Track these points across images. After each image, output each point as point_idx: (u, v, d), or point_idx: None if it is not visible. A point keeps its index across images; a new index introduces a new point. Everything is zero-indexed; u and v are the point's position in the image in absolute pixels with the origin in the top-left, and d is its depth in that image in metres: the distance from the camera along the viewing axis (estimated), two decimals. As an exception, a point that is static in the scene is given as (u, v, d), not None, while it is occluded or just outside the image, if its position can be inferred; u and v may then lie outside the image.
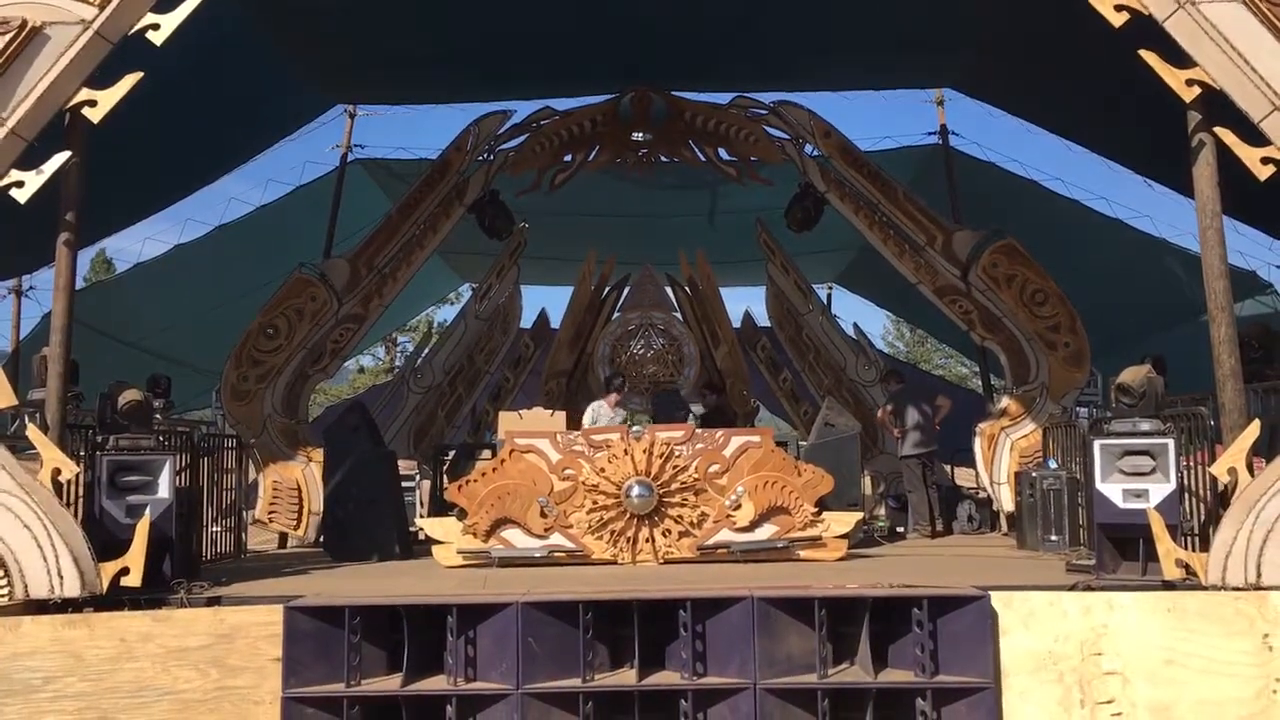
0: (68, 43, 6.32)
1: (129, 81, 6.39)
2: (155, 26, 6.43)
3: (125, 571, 6.15)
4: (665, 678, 5.67)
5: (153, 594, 6.25)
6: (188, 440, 8.48)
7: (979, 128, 15.57)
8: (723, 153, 12.30)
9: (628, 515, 7.99)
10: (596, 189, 13.17)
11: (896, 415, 11.13)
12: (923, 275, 11.38)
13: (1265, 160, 6.20)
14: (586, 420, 10.55)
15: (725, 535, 8.02)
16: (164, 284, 13.55)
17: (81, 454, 6.74)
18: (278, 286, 11.11)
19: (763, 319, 14.57)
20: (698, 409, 12.14)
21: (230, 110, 10.96)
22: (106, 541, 6.34)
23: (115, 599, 6.07)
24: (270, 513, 10.55)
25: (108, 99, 6.39)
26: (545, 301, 26.04)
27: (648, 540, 8.02)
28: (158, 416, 8.86)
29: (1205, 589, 5.87)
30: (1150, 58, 6.41)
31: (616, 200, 13.90)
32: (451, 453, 12.16)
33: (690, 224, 14.89)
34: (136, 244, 13.38)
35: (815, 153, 12.00)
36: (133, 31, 6.44)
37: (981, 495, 11.34)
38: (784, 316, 13.74)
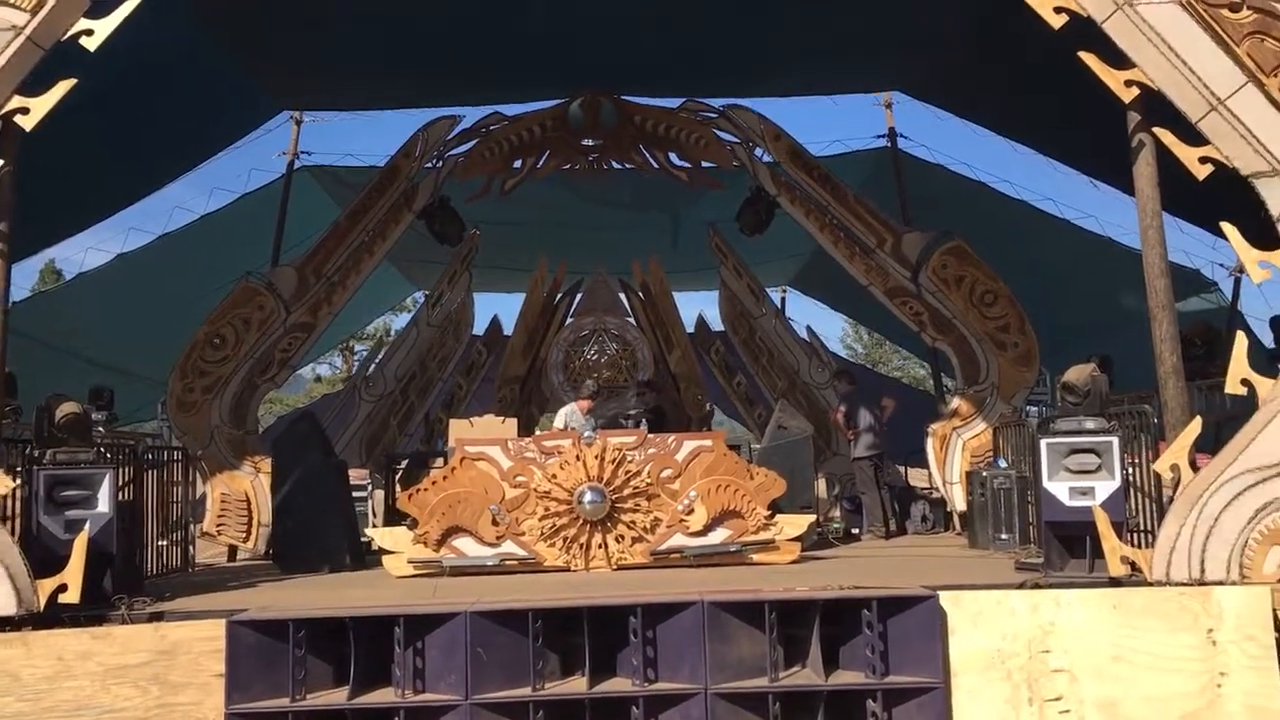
0: (-2, 49, 6.18)
1: (62, 88, 6.26)
2: (89, 32, 6.31)
3: (63, 588, 6.02)
4: (616, 685, 5.63)
5: (92, 611, 6.12)
6: (131, 453, 8.32)
7: (927, 131, 15.67)
8: (673, 157, 12.29)
9: (580, 521, 7.95)
10: (553, 201, 13.14)
11: (849, 417, 11.18)
12: (874, 277, 11.44)
13: (1204, 160, 6.28)
14: (558, 424, 10.52)
15: (678, 540, 7.99)
16: (108, 294, 13.31)
17: (18, 469, 6.58)
18: (224, 295, 10.95)
19: (716, 323, 14.61)
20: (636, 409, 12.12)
21: (175, 117, 10.78)
22: (44, 558, 6.19)
23: (53, 616, 5.94)
24: (219, 525, 10.39)
25: (41, 106, 6.26)
26: (498, 308, 25.99)
27: (600, 546, 7.98)
28: (99, 429, 8.69)
29: (1150, 585, 5.93)
30: (1090, 59, 6.48)
31: (570, 212, 13.87)
32: (404, 461, 12.05)
33: (647, 237, 14.83)
34: (80, 253, 13.15)
35: (766, 157, 12.03)
36: (66, 37, 6.32)
37: (935, 495, 11.42)
38: (737, 320, 13.77)
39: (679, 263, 14.50)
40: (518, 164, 12.26)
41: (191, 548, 9.55)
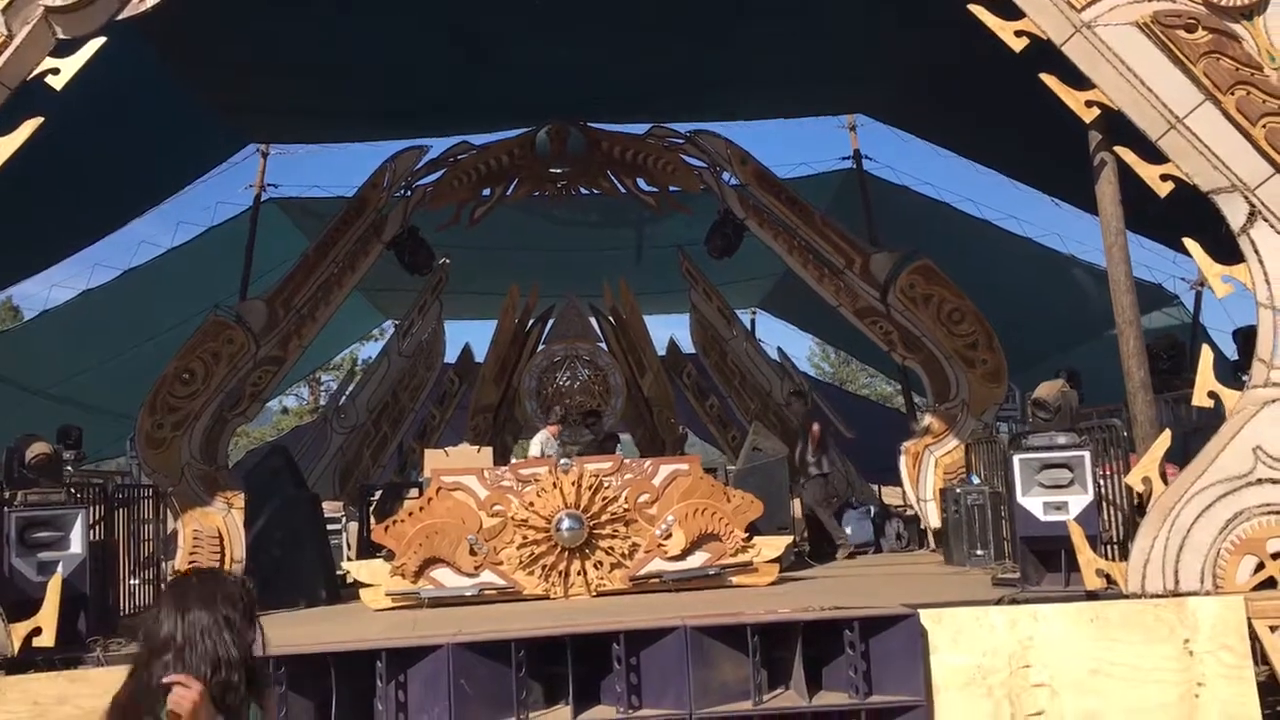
0: (-37, 88, 6.14)
1: (28, 128, 6.21)
2: (55, 71, 6.27)
3: (38, 631, 5.94)
4: (601, 713, 5.62)
5: (67, 653, 6.04)
6: (101, 492, 8.23)
7: (891, 152, 15.88)
8: (641, 183, 12.36)
9: (558, 549, 7.93)
10: (519, 225, 13.17)
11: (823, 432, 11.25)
12: (843, 298, 11.53)
13: (1164, 177, 6.38)
14: (534, 450, 10.49)
15: (657, 565, 7.99)
16: (73, 330, 13.18)
17: (-12, 510, 6.50)
18: (193, 330, 10.86)
19: (688, 346, 14.67)
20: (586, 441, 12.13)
21: (140, 151, 10.72)
22: (17, 601, 6.11)
23: (28, 661, 5.86)
24: (191, 562, 10.23)
25: (6, 146, 6.21)
26: (469, 336, 25.91)
27: (579, 573, 7.96)
28: (69, 469, 8.59)
29: (1126, 597, 6.00)
30: (1050, 80, 6.58)
31: (539, 235, 13.92)
32: (378, 493, 11.97)
33: (615, 257, 14.94)
34: (44, 289, 13.01)
35: (733, 180, 12.12)
36: (31, 76, 6.28)
37: (909, 513, 11.48)
38: (709, 343, 13.84)
39: (646, 283, 14.52)
40: (486, 192, 12.28)
41: (164, 586, 9.44)
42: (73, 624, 6.38)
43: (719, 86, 11.54)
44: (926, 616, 5.69)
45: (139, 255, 13.04)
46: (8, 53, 6.19)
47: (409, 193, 12.04)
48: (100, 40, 6.35)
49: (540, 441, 10.66)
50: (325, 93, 11.00)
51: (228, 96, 10.84)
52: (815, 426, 11.18)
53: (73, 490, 7.36)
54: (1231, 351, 10.29)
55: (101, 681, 5.57)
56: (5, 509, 6.48)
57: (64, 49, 6.34)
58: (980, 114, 11.09)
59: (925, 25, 9.28)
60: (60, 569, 6.29)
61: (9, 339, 14.81)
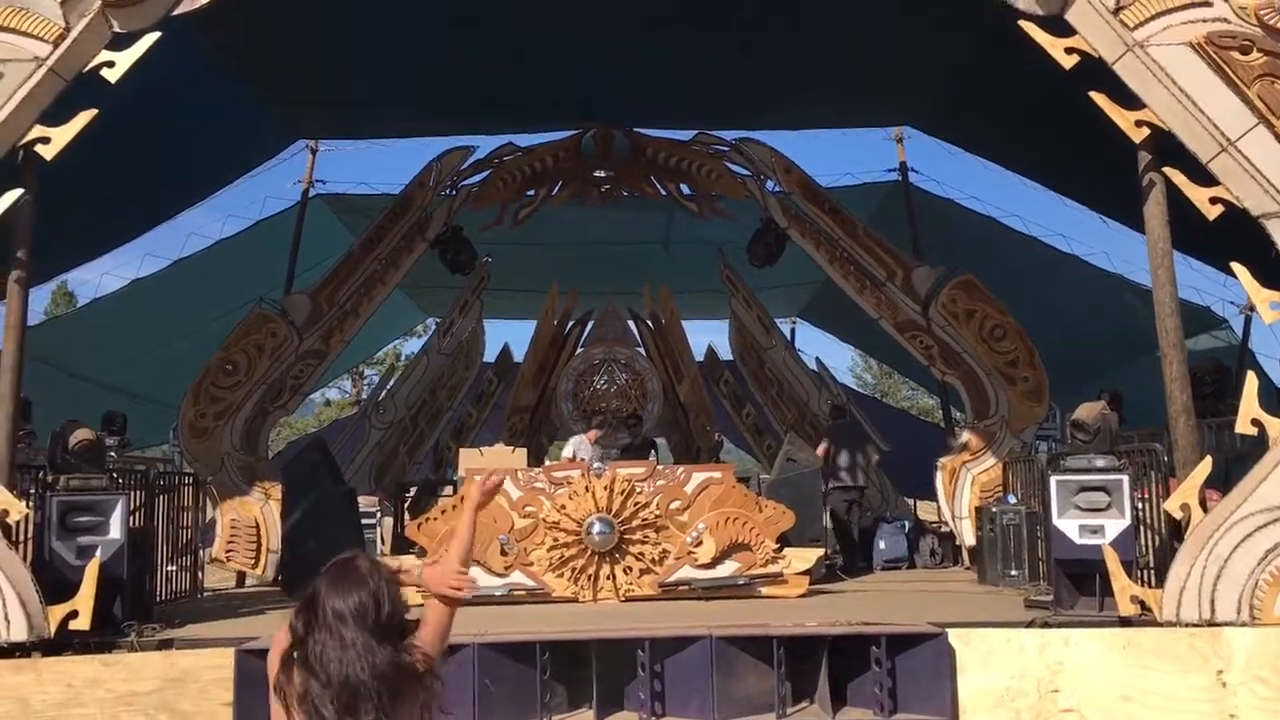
0: (21, 80, 6.28)
1: (83, 119, 6.35)
2: (110, 64, 6.40)
3: (74, 614, 6.04)
4: (624, 718, 5.64)
5: (102, 637, 6.14)
6: (143, 478, 8.36)
7: (938, 165, 15.88)
8: (684, 188, 12.35)
9: (589, 553, 7.95)
10: (555, 217, 13.16)
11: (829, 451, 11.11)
12: (884, 310, 11.46)
13: (1214, 200, 6.31)
14: (566, 453, 10.51)
15: (686, 572, 7.99)
16: (122, 319, 13.40)
17: (31, 494, 6.63)
18: (237, 322, 11.02)
19: (726, 353, 14.63)
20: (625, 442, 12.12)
21: (191, 145, 10.89)
22: (56, 583, 6.22)
23: (64, 642, 5.96)
24: (228, 551, 10.40)
25: (61, 136, 6.35)
26: (508, 336, 26.03)
27: (609, 578, 7.98)
28: (112, 454, 8.72)
29: (1160, 625, 5.91)
30: (1100, 99, 6.52)
31: (575, 228, 13.89)
32: (413, 489, 12.06)
33: (649, 251, 14.91)
34: (95, 277, 13.27)
35: (776, 189, 12.09)
36: (87, 69, 6.41)
37: (944, 529, 11.38)
38: (747, 350, 13.80)
39: (683, 283, 14.45)
40: (530, 193, 12.34)
41: (201, 573, 9.57)
42: (109, 608, 6.48)
43: (765, 95, 11.52)
44: (955, 636, 5.65)
45: (188, 246, 13.23)
46: (65, 45, 6.33)
47: (454, 192, 12.13)
48: (155, 35, 6.48)
49: (574, 445, 10.69)
50: (373, 90, 11.10)
51: (279, 91, 10.98)
52: (821, 446, 11.04)
53: (114, 476, 7.48)
54: (1279, 378, 10.12)
55: (135, 665, 5.67)
56: (47, 493, 6.60)
57: (120, 43, 6.46)
58: (1028, 129, 10.98)
59: (974, 38, 9.22)
60: (99, 554, 6.38)
61: (61, 325, 15.04)
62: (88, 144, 6.49)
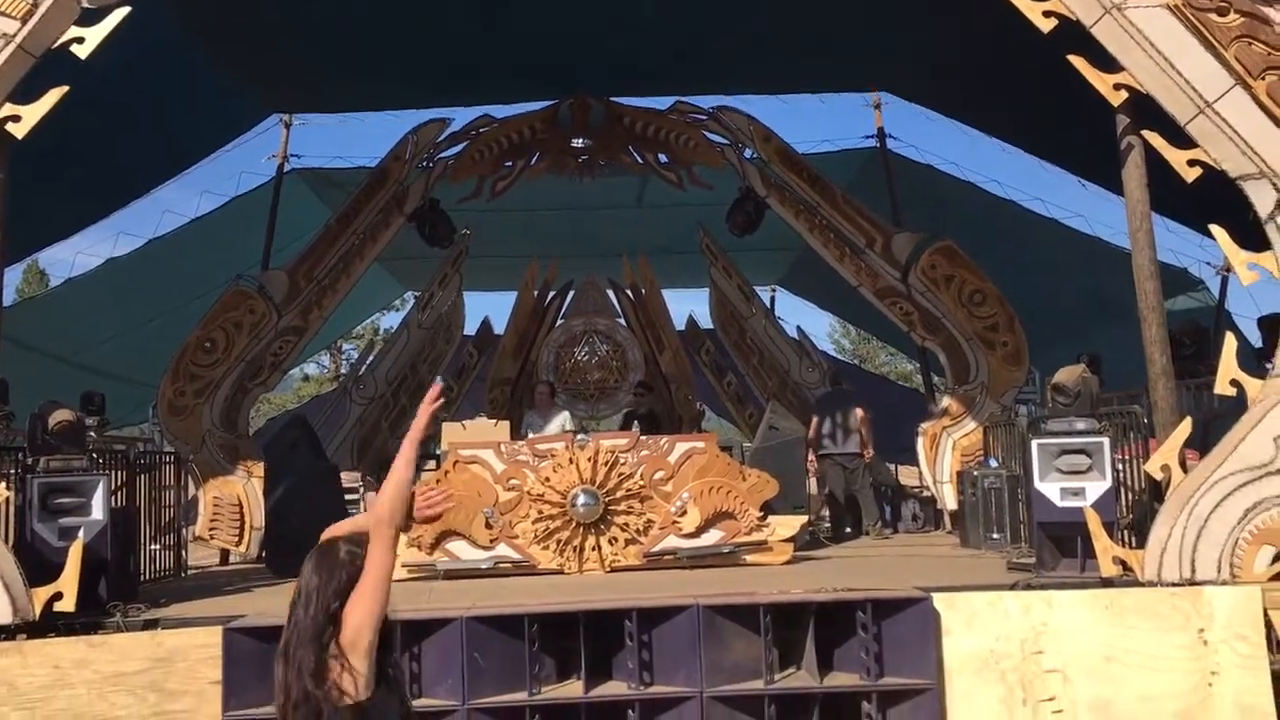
0: (-11, 57, 6.17)
1: (53, 96, 6.25)
2: (80, 40, 6.30)
3: (59, 596, 6.01)
4: (612, 688, 5.66)
5: (88, 618, 6.12)
6: (123, 458, 8.31)
7: (916, 130, 15.79)
8: (662, 157, 12.30)
9: (574, 524, 7.96)
10: (531, 183, 13.04)
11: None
12: (863, 277, 11.49)
13: (1192, 162, 6.32)
14: (552, 429, 10.47)
15: (671, 542, 8.01)
16: (98, 298, 13.27)
17: (12, 476, 6.58)
18: (215, 299, 10.94)
19: (706, 322, 14.63)
20: (629, 407, 12.11)
21: (163, 121, 10.77)
22: (39, 565, 6.18)
23: (49, 625, 5.94)
24: (211, 529, 10.37)
25: (32, 114, 6.25)
26: (488, 308, 26.00)
27: (594, 549, 7.99)
28: (92, 435, 8.67)
29: (1142, 585, 5.98)
30: (1079, 62, 6.52)
31: (552, 193, 13.78)
32: (396, 464, 12.02)
33: (627, 215, 14.82)
34: (70, 255, 13.11)
35: (755, 157, 12.06)
36: (57, 45, 6.31)
37: (925, 494, 11.47)
38: (728, 320, 13.81)
39: (661, 247, 14.38)
40: (508, 165, 12.26)
41: (184, 552, 9.54)
42: (93, 589, 6.45)
43: (742, 59, 11.46)
44: (940, 600, 5.70)
45: (163, 224, 13.12)
46: (33, 21, 6.22)
47: (431, 165, 12.05)
48: (125, 9, 6.38)
49: (529, 423, 10.57)
50: (347, 59, 10.97)
51: (251, 64, 10.84)
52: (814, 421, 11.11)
53: (95, 456, 7.43)
54: (1256, 338, 10.20)
55: (121, 646, 5.66)
56: (28, 475, 6.56)
57: (89, 18, 6.36)
58: (1007, 93, 10.98)
59: (952, 2, 9.18)
60: (82, 534, 6.35)
61: (35, 305, 14.90)
62: (59, 121, 6.40)
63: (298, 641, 2.82)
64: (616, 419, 13.17)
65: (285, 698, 2.80)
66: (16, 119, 6.24)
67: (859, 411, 10.76)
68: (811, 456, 10.54)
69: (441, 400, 3.26)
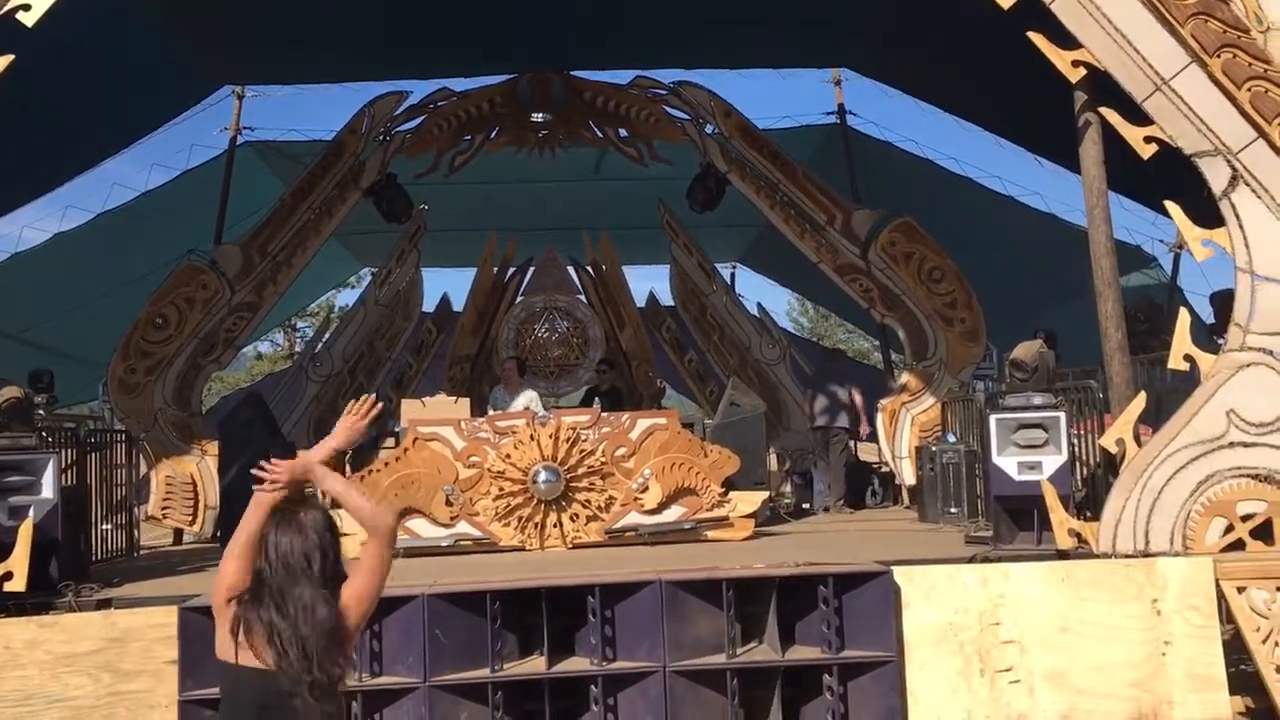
0: (-70, 23, 5.99)
1: (-1, 64, 6.09)
2: (26, 7, 6.13)
3: (8, 576, 5.92)
4: (575, 664, 5.66)
5: (39, 598, 6.02)
6: (73, 436, 8.16)
7: (875, 108, 15.81)
8: (623, 132, 12.23)
9: (535, 501, 7.93)
10: (490, 155, 12.93)
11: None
12: (823, 254, 11.51)
13: (1148, 139, 6.38)
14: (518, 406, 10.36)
15: (633, 518, 8.01)
16: (45, 273, 12.98)
17: (-42, 454, 6.44)
18: (167, 275, 10.74)
19: (667, 299, 14.60)
20: (591, 384, 12.09)
21: (112, 91, 10.52)
22: (-14, 546, 6.07)
23: (-1, 605, 5.84)
24: (164, 508, 10.22)
25: (-24, 83, 6.08)
26: (448, 285, 25.79)
27: (555, 525, 7.97)
28: (40, 413, 8.49)
29: (1097, 557, 6.06)
30: (1038, 39, 6.54)
31: (504, 165, 13.66)
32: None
33: (582, 188, 14.73)
34: (15, 230, 12.80)
35: (716, 132, 12.02)
36: (3, 12, 6.13)
37: (884, 469, 11.55)
38: (688, 297, 13.79)
39: (621, 221, 14.32)
40: (467, 139, 12.13)
41: (136, 531, 9.40)
42: (44, 569, 6.34)
43: (703, 33, 11.40)
44: (900, 574, 5.74)
45: (112, 198, 12.83)
46: (-24, -13, 6.04)
47: (388, 139, 11.89)
48: (72, -25, 6.20)
49: (497, 399, 10.48)
50: (302, 30, 10.78)
51: (201, 32, 10.59)
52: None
53: (44, 435, 7.28)
54: (1208, 315, 10.35)
55: (74, 626, 5.56)
56: (-25, 453, 6.41)
57: (35, -16, 6.19)
58: (965, 69, 11.02)
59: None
60: (31, 514, 6.23)
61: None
62: (4, 91, 6.23)
63: (305, 608, 2.89)
64: (577, 396, 13.10)
65: (296, 649, 2.85)
66: (-40, 88, 6.07)
67: (854, 388, 10.93)
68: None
69: (371, 416, 3.28)
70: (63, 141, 10.79)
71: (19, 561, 5.93)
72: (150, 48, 10.21)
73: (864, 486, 11.41)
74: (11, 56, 6.12)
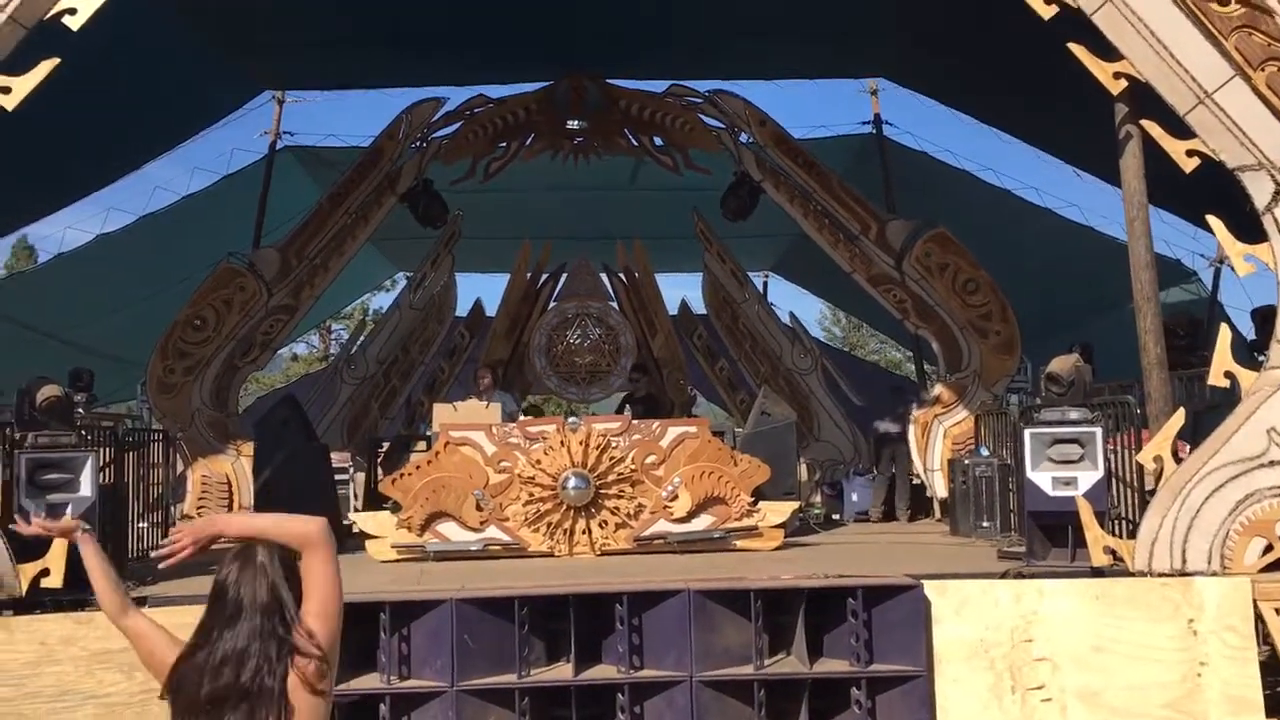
0: (-21, 27, 6.09)
1: (45, 68, 6.17)
2: (71, 11, 6.21)
3: (46, 573, 5.97)
4: (602, 672, 5.65)
5: (75, 595, 6.07)
6: (112, 435, 8.26)
7: (912, 117, 15.73)
8: (658, 140, 12.24)
9: (564, 507, 7.94)
10: (526, 163, 12.98)
11: None
12: (857, 264, 11.46)
13: (1190, 153, 6.29)
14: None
15: (662, 526, 8.00)
16: (88, 274, 13.19)
17: (-1, 451, 6.54)
18: (205, 276, 10.87)
19: (699, 307, 14.58)
20: (627, 390, 12.10)
21: (155, 96, 10.67)
22: (26, 542, 6.07)
23: (35, 601, 5.90)
24: (199, 507, 10.32)
25: (23, 86, 6.16)
26: (481, 290, 25.92)
27: (584, 532, 7.97)
28: (80, 411, 8.61)
29: (1132, 575, 5.98)
30: (1079, 50, 6.48)
31: (540, 173, 13.72)
32: (386, 445, 12.00)
33: (617, 197, 14.77)
34: (59, 231, 13.01)
35: (751, 141, 12.00)
36: (48, 16, 6.23)
37: (915, 482, 11.47)
38: (721, 305, 13.76)
39: (654, 230, 14.35)
40: (502, 146, 12.19)
41: (172, 530, 9.49)
42: (80, 566, 6.37)
43: (740, 43, 11.40)
44: (930, 587, 5.69)
45: (154, 201, 13.02)
46: (24, -9, 6.13)
47: (424, 145, 11.97)
48: (118, -19, 6.29)
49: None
50: (341, 37, 10.88)
51: (242, 39, 10.74)
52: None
53: (83, 433, 7.38)
54: (1249, 331, 10.22)
55: (108, 624, 5.59)
56: (15, 450, 6.50)
57: (81, -11, 6.28)
58: (1004, 81, 10.95)
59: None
60: (69, 511, 6.30)
61: (23, 280, 14.80)
62: (50, 94, 6.32)
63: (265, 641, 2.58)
64: (607, 403, 13.11)
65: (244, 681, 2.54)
66: (7, 90, 6.16)
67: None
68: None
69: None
70: (106, 144, 10.95)
71: (56, 559, 5.99)
72: (193, 53, 10.36)
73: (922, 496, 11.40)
74: (57, 60, 6.20)
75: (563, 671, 5.60)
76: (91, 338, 13.40)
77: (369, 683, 5.49)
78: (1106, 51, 6.47)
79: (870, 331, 31.41)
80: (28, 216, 12.32)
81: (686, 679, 5.47)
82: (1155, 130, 6.37)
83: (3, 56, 6.16)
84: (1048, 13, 6.51)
